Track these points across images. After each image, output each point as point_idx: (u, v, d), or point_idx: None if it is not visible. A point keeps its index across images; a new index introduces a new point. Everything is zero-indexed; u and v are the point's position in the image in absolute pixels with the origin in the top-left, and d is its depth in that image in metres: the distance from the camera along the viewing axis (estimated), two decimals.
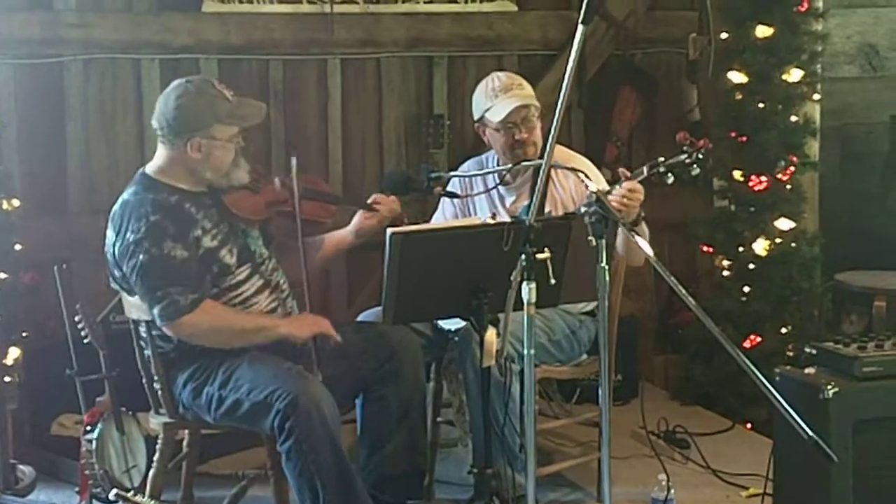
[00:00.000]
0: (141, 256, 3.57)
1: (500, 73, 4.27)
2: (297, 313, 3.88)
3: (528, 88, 4.21)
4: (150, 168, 3.75)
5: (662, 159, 3.72)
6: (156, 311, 3.57)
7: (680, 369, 5.66)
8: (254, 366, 3.64)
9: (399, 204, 3.98)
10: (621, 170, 3.73)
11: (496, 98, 4.14)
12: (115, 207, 3.69)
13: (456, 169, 4.47)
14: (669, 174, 3.70)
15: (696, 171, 3.69)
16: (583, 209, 3.72)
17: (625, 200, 3.65)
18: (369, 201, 3.99)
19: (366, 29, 5.50)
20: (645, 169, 3.72)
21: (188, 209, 3.68)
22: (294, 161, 3.84)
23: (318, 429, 3.48)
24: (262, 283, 3.79)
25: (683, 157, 3.68)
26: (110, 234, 3.68)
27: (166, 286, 3.56)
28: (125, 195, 3.70)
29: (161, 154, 3.74)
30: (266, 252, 3.86)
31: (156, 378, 3.75)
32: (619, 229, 3.37)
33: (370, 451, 3.85)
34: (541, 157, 3.97)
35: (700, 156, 3.67)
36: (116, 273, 3.69)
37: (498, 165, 4.24)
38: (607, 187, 3.79)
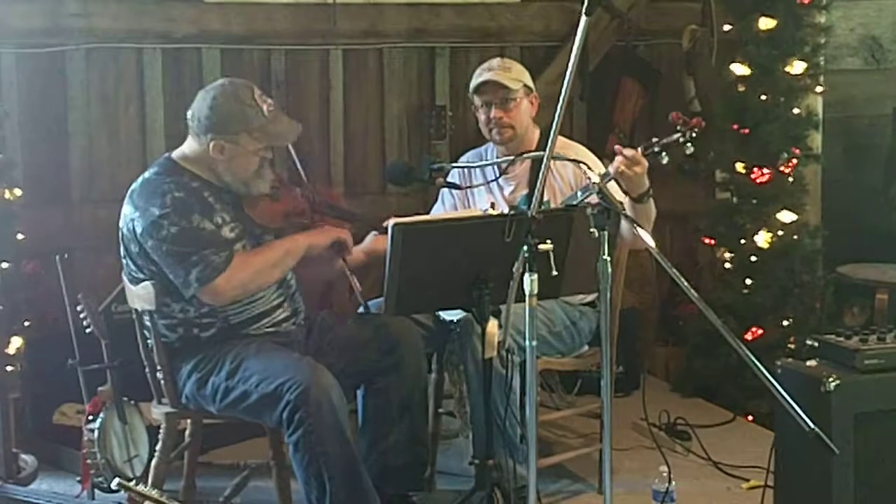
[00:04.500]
0: (172, 229, 3.56)
1: (498, 58, 4.31)
2: (303, 308, 3.89)
3: (517, 73, 4.22)
4: (176, 154, 3.77)
5: (656, 139, 3.73)
6: (193, 275, 3.55)
7: (681, 361, 5.66)
8: (262, 357, 3.63)
9: None
10: (617, 147, 3.73)
11: (478, 77, 4.20)
12: (135, 185, 3.69)
13: (457, 160, 4.48)
14: (664, 154, 3.71)
15: (689, 150, 3.69)
16: (580, 194, 3.76)
17: (622, 168, 3.66)
18: (385, 224, 3.98)
19: (368, 19, 5.50)
20: (640, 149, 3.72)
21: (207, 197, 3.69)
22: (291, 148, 3.87)
23: (327, 420, 3.47)
24: None
25: (677, 136, 3.69)
26: (129, 210, 3.66)
27: (200, 250, 3.56)
28: (146, 174, 3.72)
29: (189, 144, 3.75)
30: None
31: (159, 368, 3.75)
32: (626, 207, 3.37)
33: (371, 442, 3.85)
34: (539, 146, 4.00)
35: (693, 134, 3.68)
36: (133, 248, 3.67)
37: (497, 156, 4.25)
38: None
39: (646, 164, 3.70)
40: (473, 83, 4.21)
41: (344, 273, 3.79)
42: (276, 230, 3.85)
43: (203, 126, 3.66)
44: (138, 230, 3.62)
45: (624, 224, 3.82)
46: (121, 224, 3.70)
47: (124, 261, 3.75)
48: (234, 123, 3.64)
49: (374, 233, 4.00)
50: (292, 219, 3.86)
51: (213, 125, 3.64)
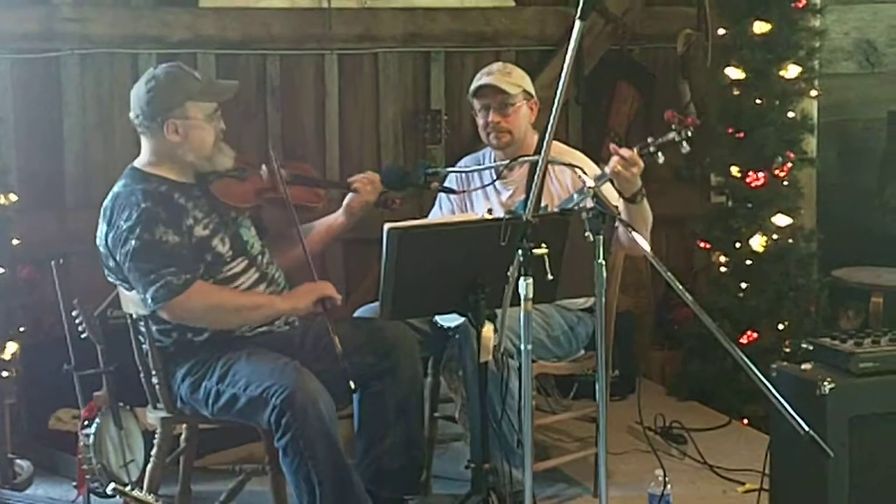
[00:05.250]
0: (133, 242, 3.58)
1: (499, 63, 4.32)
2: None
3: (518, 78, 4.21)
4: (138, 162, 3.78)
5: (651, 139, 3.73)
6: (149, 293, 3.57)
7: (677, 365, 5.67)
8: (252, 361, 3.64)
9: (377, 179, 3.99)
10: (612, 146, 3.74)
11: (478, 81, 4.20)
12: (106, 201, 3.71)
13: (454, 164, 4.48)
14: (659, 153, 3.71)
15: (685, 149, 3.70)
16: (576, 197, 3.76)
17: (618, 168, 3.66)
18: (350, 180, 3.99)
19: (363, 24, 5.50)
20: (635, 149, 3.73)
21: (178, 199, 3.71)
22: (272, 155, 3.88)
23: (314, 425, 3.48)
24: (258, 276, 3.80)
25: (672, 135, 3.69)
26: (102, 226, 3.70)
27: (159, 269, 3.57)
28: (115, 188, 3.73)
29: (145, 146, 3.77)
30: (259, 246, 3.87)
31: (154, 373, 3.76)
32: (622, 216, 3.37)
33: (367, 446, 3.85)
34: (537, 151, 4.01)
35: (689, 133, 3.68)
36: (111, 263, 3.70)
37: (495, 160, 4.25)
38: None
39: (642, 164, 3.70)
40: (473, 87, 4.20)
41: (326, 323, 3.76)
42: (251, 210, 3.88)
43: (149, 113, 3.69)
44: (110, 243, 3.65)
45: (621, 229, 3.83)
46: (97, 241, 3.72)
47: (109, 278, 3.78)
48: (176, 95, 3.68)
49: (350, 195, 4.00)
50: (264, 195, 3.87)
51: (158, 106, 3.68)
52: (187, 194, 3.73)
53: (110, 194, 3.72)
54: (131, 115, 3.75)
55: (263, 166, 3.92)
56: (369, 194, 3.95)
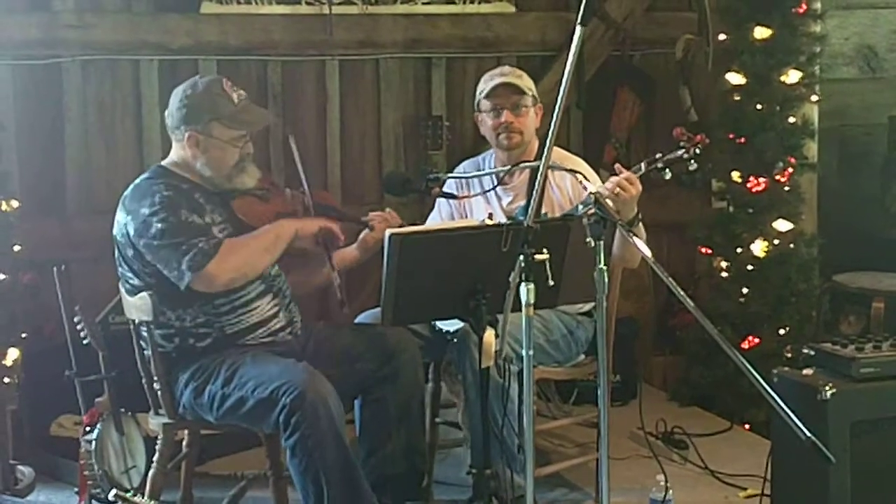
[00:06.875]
0: (160, 224, 3.61)
1: (507, 66, 4.33)
2: (299, 319, 3.91)
3: (527, 80, 4.24)
4: (166, 161, 3.85)
5: (660, 155, 3.73)
6: (185, 263, 3.57)
7: (678, 370, 5.67)
8: (258, 363, 3.64)
9: (397, 217, 4.01)
10: (617, 166, 3.75)
11: (490, 81, 4.21)
12: (127, 192, 3.75)
13: (454, 169, 4.48)
14: (667, 170, 3.72)
15: (693, 166, 3.70)
16: (580, 208, 3.76)
17: (618, 190, 3.66)
18: (365, 219, 4.00)
19: (364, 30, 5.50)
20: (643, 165, 3.73)
21: (198, 198, 3.74)
22: (292, 140, 3.88)
23: (323, 424, 3.48)
24: (263, 287, 3.80)
25: (681, 152, 3.69)
26: (121, 216, 3.71)
27: (190, 239, 3.59)
28: (137, 181, 3.78)
29: (174, 150, 3.83)
30: None
31: (156, 378, 3.75)
32: (617, 230, 3.37)
33: (369, 452, 3.85)
34: (538, 157, 4.01)
35: (697, 151, 3.68)
36: (129, 252, 3.70)
37: (495, 166, 4.26)
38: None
39: (640, 187, 3.70)
40: (488, 86, 4.20)
41: (332, 280, 3.80)
42: None
43: (176, 120, 3.75)
44: (131, 232, 3.66)
45: (615, 246, 3.83)
46: (115, 231, 3.73)
47: (121, 269, 3.78)
48: (205, 113, 3.71)
49: (366, 230, 4.02)
50: (284, 218, 3.87)
51: (185, 116, 3.72)
52: (207, 197, 3.77)
53: (131, 185, 3.77)
54: (165, 112, 3.81)
55: (287, 189, 3.93)
56: (384, 232, 3.96)
